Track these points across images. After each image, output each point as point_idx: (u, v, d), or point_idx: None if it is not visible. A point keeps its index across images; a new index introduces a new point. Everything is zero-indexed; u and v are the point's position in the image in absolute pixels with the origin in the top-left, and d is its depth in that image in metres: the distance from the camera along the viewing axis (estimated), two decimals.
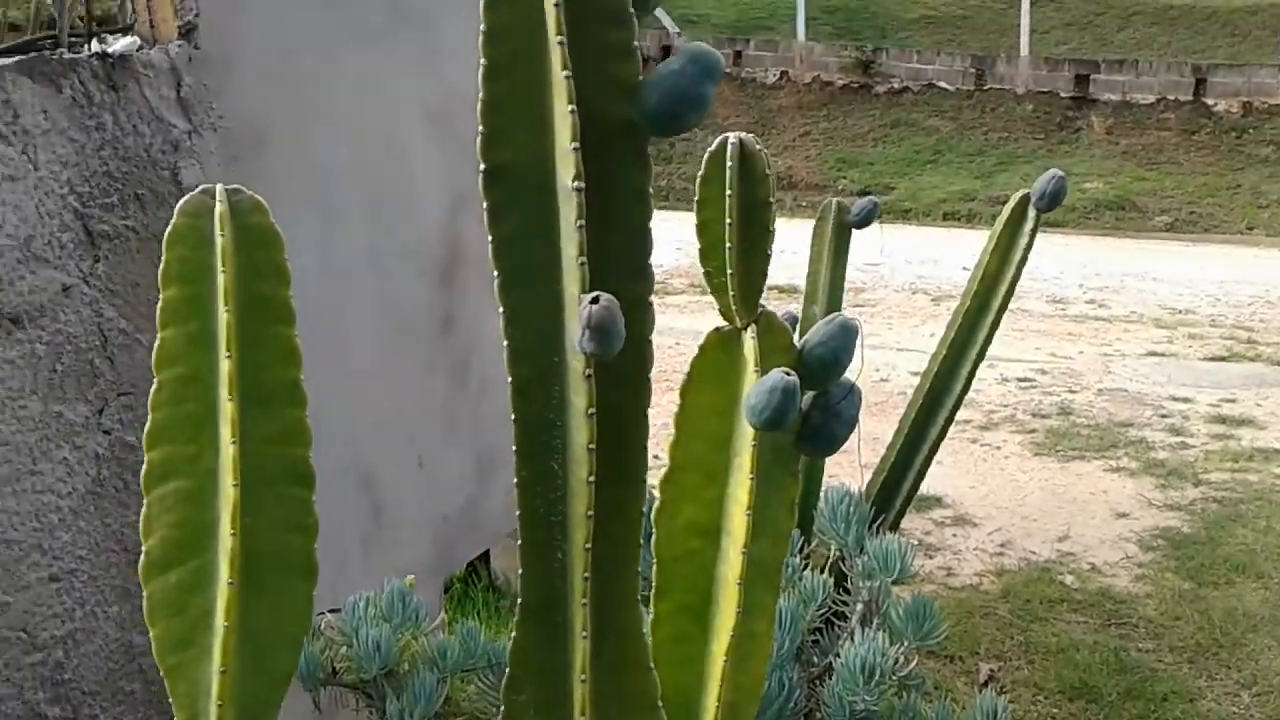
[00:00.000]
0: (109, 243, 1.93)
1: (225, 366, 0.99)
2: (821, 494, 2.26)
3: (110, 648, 1.97)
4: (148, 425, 1.03)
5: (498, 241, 1.06)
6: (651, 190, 1.09)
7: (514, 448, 1.08)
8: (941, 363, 2.85)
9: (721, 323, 1.15)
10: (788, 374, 1.03)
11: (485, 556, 3.40)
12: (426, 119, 2.74)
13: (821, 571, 2.07)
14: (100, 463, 1.95)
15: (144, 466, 1.03)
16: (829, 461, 2.85)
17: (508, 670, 1.14)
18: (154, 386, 1.04)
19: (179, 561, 1.03)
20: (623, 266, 1.05)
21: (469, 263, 2.90)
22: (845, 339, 1.07)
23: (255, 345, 1.01)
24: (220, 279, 1.00)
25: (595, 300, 0.94)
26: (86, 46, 1.93)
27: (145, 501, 1.03)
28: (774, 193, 1.06)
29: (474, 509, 3.05)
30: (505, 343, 1.07)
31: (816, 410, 1.11)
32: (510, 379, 1.07)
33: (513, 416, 1.08)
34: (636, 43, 1.05)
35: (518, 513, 1.10)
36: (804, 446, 1.11)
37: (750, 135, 1.06)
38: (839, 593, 2.05)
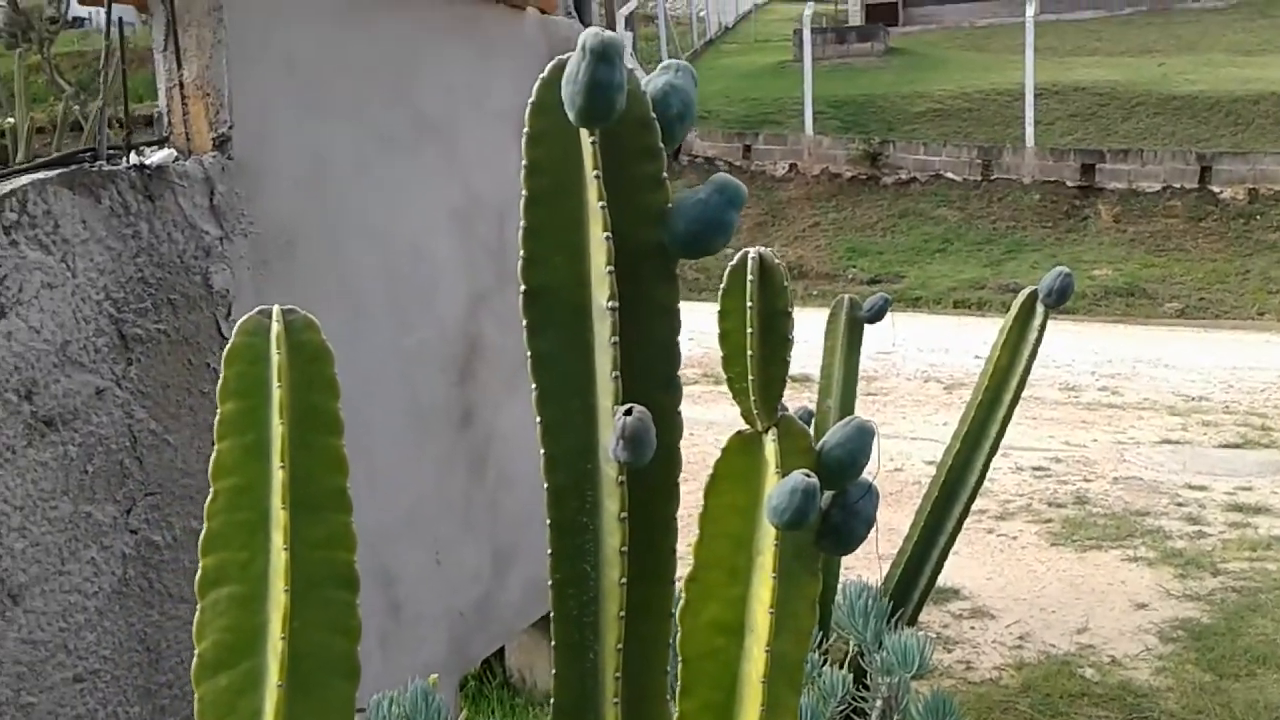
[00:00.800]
0: (141, 346, 1.99)
1: (279, 476, 1.03)
2: (839, 588, 2.28)
3: None
4: (203, 532, 1.07)
5: (536, 357, 1.13)
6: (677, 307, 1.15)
7: (549, 551, 1.12)
8: (956, 455, 2.87)
9: (742, 424, 1.19)
10: (808, 475, 1.07)
11: (500, 653, 3.40)
12: (448, 222, 2.82)
13: (840, 667, 2.08)
14: (126, 562, 1.98)
15: (199, 573, 1.07)
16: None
17: None
18: (210, 496, 1.08)
19: (230, 665, 1.06)
20: (652, 378, 1.12)
21: (486, 358, 2.95)
22: (862, 440, 1.12)
23: (306, 454, 1.05)
24: (275, 393, 1.04)
25: (629, 412, 0.99)
26: (125, 159, 2.01)
27: (199, 606, 1.07)
28: (792, 304, 1.11)
29: (490, 604, 3.06)
30: (542, 451, 1.12)
31: (836, 509, 1.15)
32: (546, 485, 1.12)
33: (548, 521, 1.13)
34: (665, 174, 1.13)
35: (552, 614, 1.13)
36: (824, 545, 1.15)
37: (769, 249, 1.12)
38: (858, 689, 2.05)
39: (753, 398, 1.13)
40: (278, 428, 1.03)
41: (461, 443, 2.92)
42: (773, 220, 13.99)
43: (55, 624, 1.86)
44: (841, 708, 2.03)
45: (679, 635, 1.18)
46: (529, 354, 1.13)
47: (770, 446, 1.15)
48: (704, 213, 1.10)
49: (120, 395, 1.96)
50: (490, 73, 2.94)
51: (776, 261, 1.10)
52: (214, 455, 1.06)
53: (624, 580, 1.05)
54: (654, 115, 1.12)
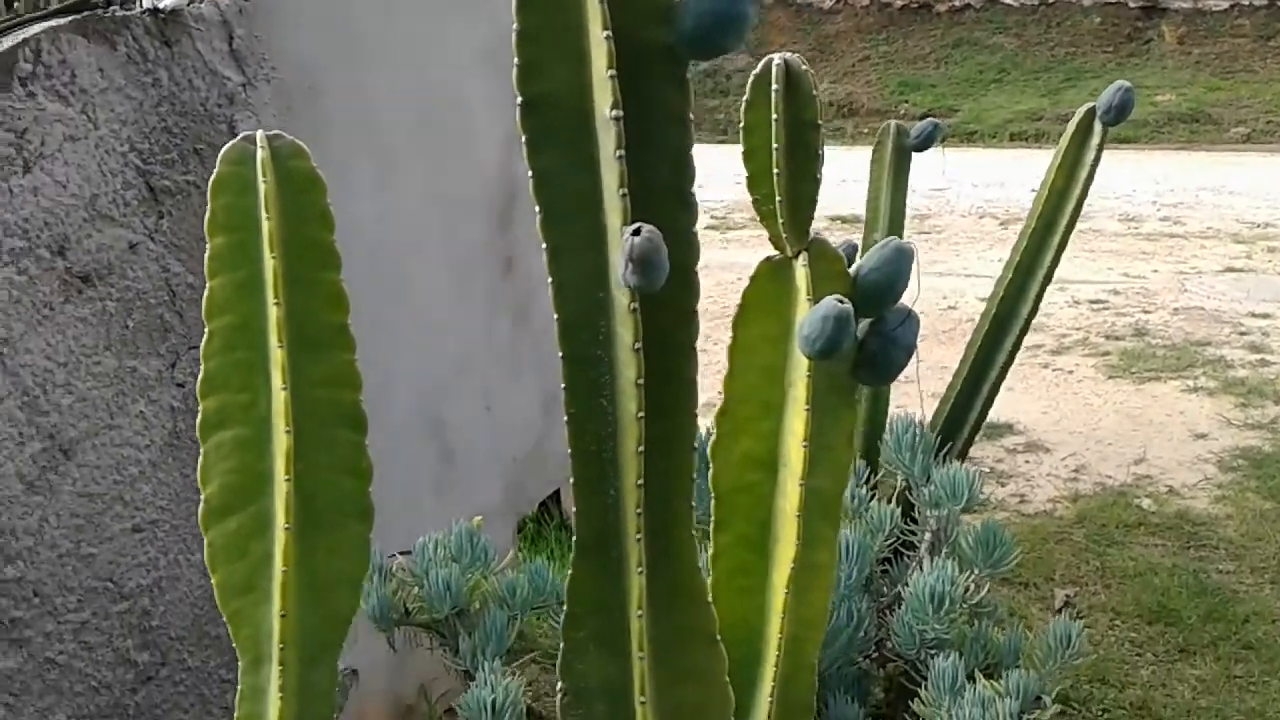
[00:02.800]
0: (171, 198, 1.96)
1: (274, 313, 1.00)
2: (888, 425, 2.24)
3: (195, 594, 2.03)
4: (200, 374, 1.05)
5: (537, 175, 1.05)
6: (693, 117, 1.07)
7: (563, 385, 1.08)
8: (1007, 286, 2.79)
9: (774, 252, 1.13)
10: (841, 301, 1.01)
11: (556, 496, 3.44)
12: (480, 60, 2.73)
13: (889, 502, 2.06)
14: (175, 415, 2.00)
15: (199, 416, 1.05)
16: (896, 393, 2.83)
17: (566, 607, 1.15)
18: (205, 336, 1.05)
19: (238, 507, 1.05)
20: (665, 195, 1.04)
21: (528, 202, 2.90)
22: (900, 263, 1.05)
23: (302, 290, 1.02)
24: (265, 225, 1.00)
25: (637, 232, 0.93)
26: (138, 3, 1.95)
27: (202, 450, 1.05)
28: (821, 115, 1.03)
29: (542, 449, 3.08)
30: (549, 279, 1.06)
31: (873, 337, 1.09)
32: (556, 316, 1.07)
33: (560, 354, 1.08)
34: None
35: (569, 450, 1.10)
36: (861, 375, 1.09)
37: (796, 55, 1.04)
38: (907, 523, 2.04)
39: (781, 220, 1.06)
40: (269, 262, 0.99)
41: (506, 289, 2.90)
42: (820, 55, 13.55)
43: (109, 477, 1.88)
44: (890, 541, 2.02)
45: (710, 471, 1.14)
46: (529, 172, 1.06)
47: (801, 272, 1.09)
48: (714, 5, 1.00)
49: (154, 249, 1.94)
50: None
51: (804, 68, 1.01)
52: (206, 293, 1.03)
53: (641, 414, 1.00)
54: None
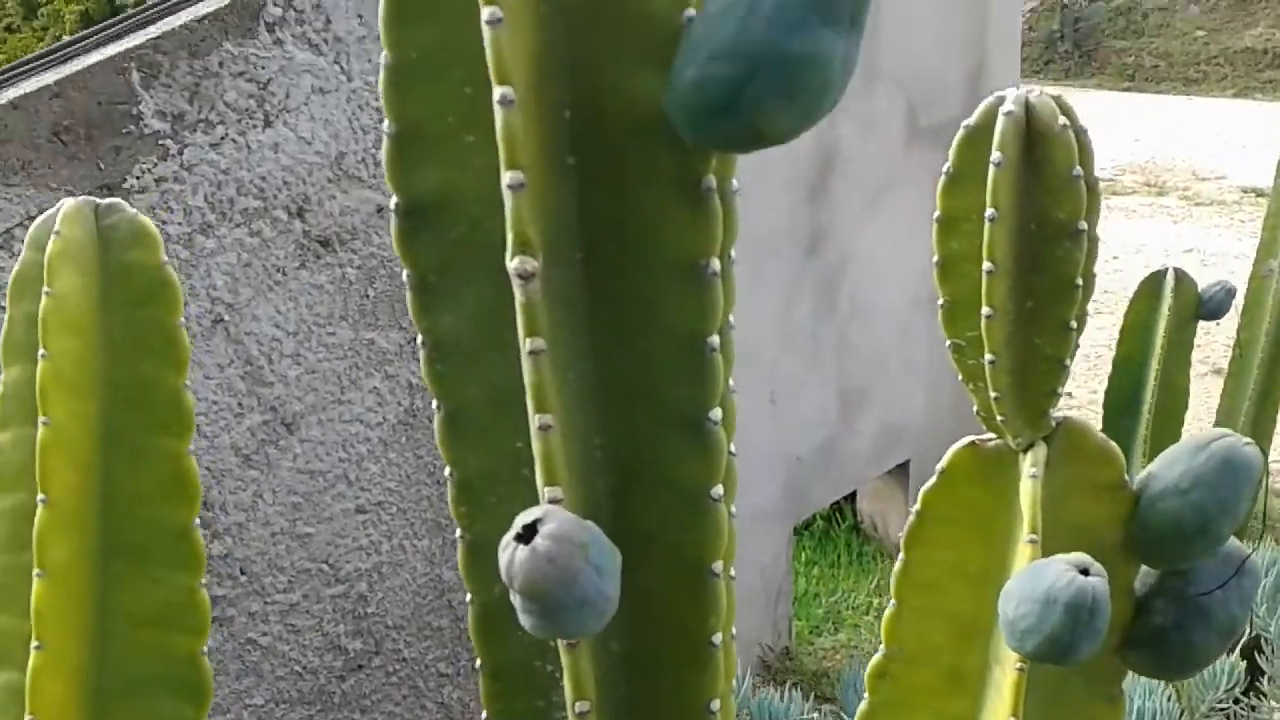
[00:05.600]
0: None
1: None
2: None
3: (418, 582, 1.91)
4: None
5: (430, 351, 0.62)
6: (728, 260, 0.56)
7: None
8: None
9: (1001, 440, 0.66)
10: (1085, 571, 0.57)
11: (851, 496, 3.11)
12: None
13: None
14: (414, 392, 1.86)
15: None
16: None
17: None
18: None
19: None
20: (661, 426, 0.57)
21: (843, 171, 2.54)
22: (1231, 483, 0.59)
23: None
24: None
25: (529, 533, 0.48)
26: None
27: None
28: (1095, 213, 0.59)
29: (834, 449, 2.75)
30: (458, 529, 0.65)
31: (1164, 602, 0.65)
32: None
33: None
34: None
35: None
36: (1134, 658, 0.66)
37: (1046, 94, 0.60)
38: None
39: (995, 391, 0.63)
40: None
41: (809, 269, 2.57)
42: None
43: (334, 454, 1.77)
44: None
45: None
46: (420, 341, 0.62)
47: (1028, 484, 0.63)
48: (744, 31, 0.47)
49: None
50: None
51: (1060, 123, 0.59)
52: None
53: None
54: None
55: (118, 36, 1.53)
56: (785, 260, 2.50)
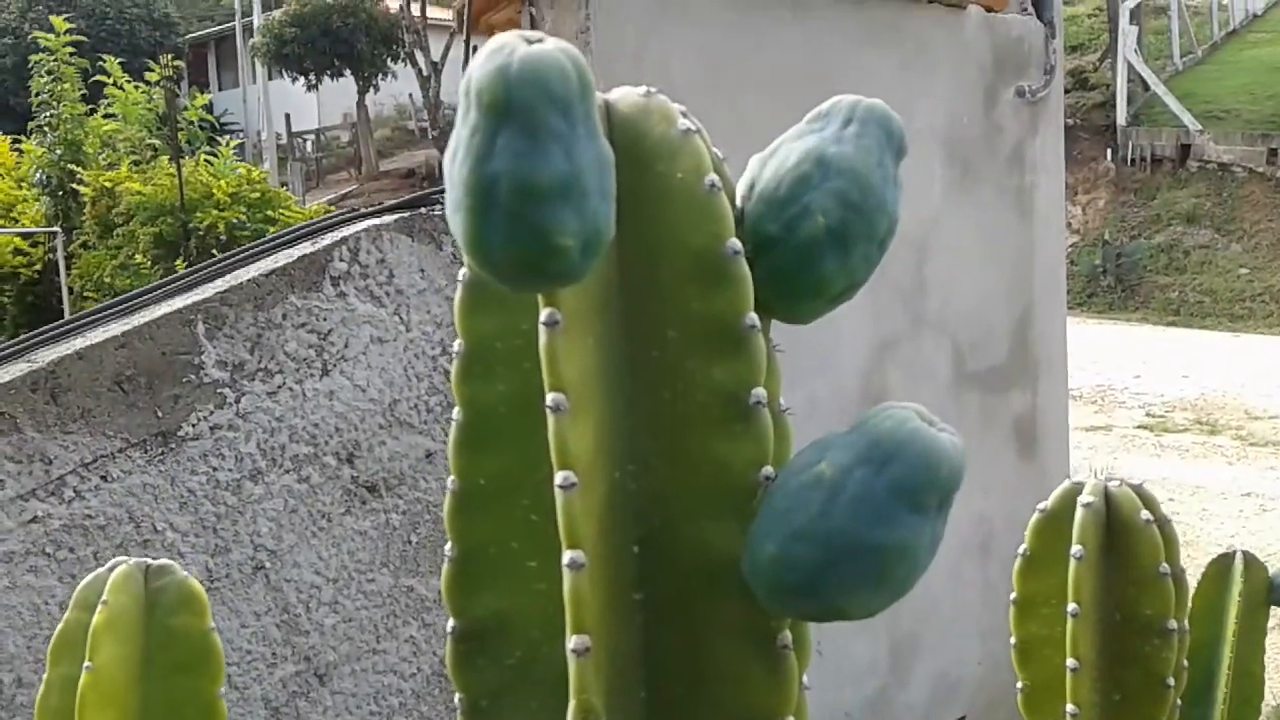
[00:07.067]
0: None
1: None
2: None
3: None
4: None
5: None
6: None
7: None
8: None
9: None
10: None
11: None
12: None
13: None
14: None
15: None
16: None
17: None
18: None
19: None
20: None
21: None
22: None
23: None
24: None
25: None
26: None
27: None
28: (1184, 608, 0.54)
29: (885, 703, 2.63)
30: None
31: None
32: None
33: None
34: (759, 395, 0.50)
35: None
36: None
37: (1126, 482, 0.57)
38: None
39: None
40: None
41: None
42: None
43: (365, 706, 1.71)
44: None
45: None
46: None
47: None
48: (828, 521, 0.45)
49: None
50: (914, 84, 2.51)
51: (1144, 519, 0.56)
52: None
53: None
54: (740, 246, 0.50)
55: (188, 288, 1.58)
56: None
